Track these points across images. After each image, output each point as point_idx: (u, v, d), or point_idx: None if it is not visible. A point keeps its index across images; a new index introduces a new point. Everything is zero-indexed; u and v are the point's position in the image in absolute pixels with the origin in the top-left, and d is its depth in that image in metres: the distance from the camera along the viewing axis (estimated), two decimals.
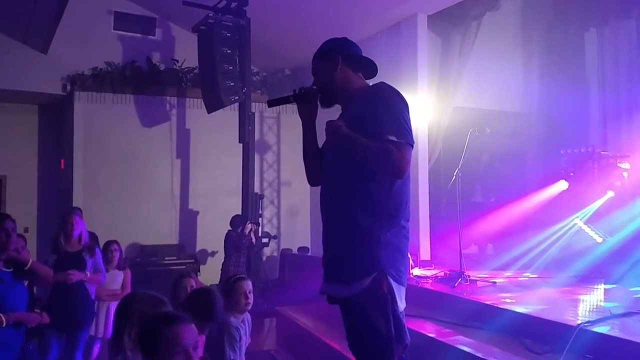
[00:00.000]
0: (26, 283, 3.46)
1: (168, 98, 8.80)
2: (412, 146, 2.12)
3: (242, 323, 3.41)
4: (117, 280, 5.12)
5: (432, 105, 7.14)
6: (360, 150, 2.10)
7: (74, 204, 7.78)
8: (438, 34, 7.60)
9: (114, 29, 8.66)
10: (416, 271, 6.16)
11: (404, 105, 2.19)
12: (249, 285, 3.44)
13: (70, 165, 8.25)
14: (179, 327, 1.86)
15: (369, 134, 2.10)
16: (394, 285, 2.10)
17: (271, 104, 2.46)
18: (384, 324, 2.08)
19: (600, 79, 7.76)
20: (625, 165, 6.36)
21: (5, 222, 3.06)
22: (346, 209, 2.16)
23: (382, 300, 2.08)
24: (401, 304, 2.14)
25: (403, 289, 2.16)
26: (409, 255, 3.99)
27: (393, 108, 2.14)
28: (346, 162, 2.18)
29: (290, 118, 9.40)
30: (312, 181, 2.47)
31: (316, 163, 2.39)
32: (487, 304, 4.60)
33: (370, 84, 2.36)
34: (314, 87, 2.34)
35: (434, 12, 7.06)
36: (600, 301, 4.82)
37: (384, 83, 2.26)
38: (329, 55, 2.32)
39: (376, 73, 2.39)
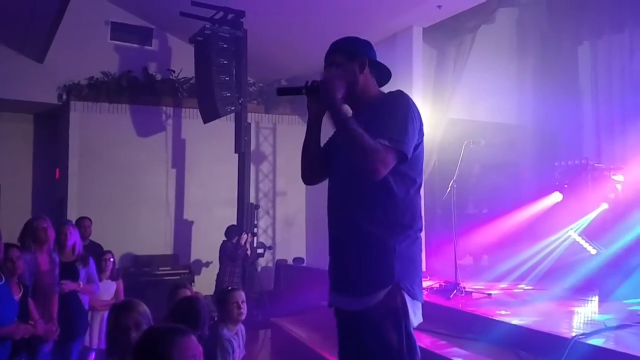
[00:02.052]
0: (19, 295, 3.44)
1: (164, 108, 8.82)
2: (403, 156, 2.02)
3: (236, 335, 3.40)
4: (110, 290, 5.10)
5: (427, 117, 7.18)
6: (350, 132, 1.98)
7: (69, 214, 7.76)
8: (433, 46, 7.66)
9: (111, 39, 8.68)
10: None
11: (413, 115, 2.10)
12: (241, 295, 3.43)
13: (65, 175, 8.23)
14: (184, 339, 1.82)
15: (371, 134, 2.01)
16: (408, 299, 2.02)
17: (281, 92, 2.36)
18: (397, 340, 1.99)
19: (593, 92, 7.83)
20: (619, 177, 6.40)
21: None
22: (360, 218, 2.07)
23: (395, 315, 2.00)
24: (415, 320, 2.06)
25: (418, 304, 2.08)
26: None
27: (399, 115, 2.07)
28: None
29: (287, 129, 9.43)
30: (307, 180, 2.39)
31: (315, 162, 2.30)
32: (482, 316, 4.61)
33: (386, 91, 2.27)
34: None
35: (429, 24, 7.13)
36: (595, 313, 4.82)
37: (401, 91, 2.18)
38: (356, 55, 2.21)
39: (388, 81, 2.33)
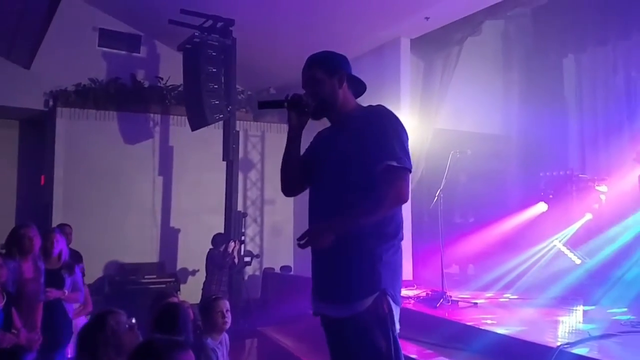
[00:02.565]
0: (2, 303, 3.40)
1: (152, 115, 8.79)
2: (410, 171, 2.14)
3: (220, 344, 3.39)
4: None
5: (415, 127, 7.24)
6: (362, 221, 2.09)
7: (54, 220, 7.67)
8: (421, 57, 7.74)
9: (99, 46, 8.64)
10: None
11: (404, 131, 2.19)
12: (226, 304, 3.42)
13: (50, 181, 8.15)
14: (183, 354, 1.81)
15: (370, 157, 2.09)
16: (392, 305, 2.08)
17: (262, 105, 2.37)
18: (386, 345, 2.05)
19: (578, 104, 7.96)
20: (603, 188, 6.49)
21: None
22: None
23: (383, 321, 2.06)
24: (397, 325, 2.11)
25: (399, 309, 2.14)
26: None
27: (394, 132, 2.14)
28: (344, 181, 2.14)
29: (275, 137, 9.43)
30: (288, 191, 2.42)
31: (296, 173, 2.33)
32: (468, 325, 4.63)
33: (364, 104, 2.34)
34: (309, 96, 2.24)
35: (417, 36, 7.21)
36: (579, 323, 4.87)
37: (384, 106, 2.25)
38: (335, 70, 2.27)
39: (363, 93, 2.39)
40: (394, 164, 2.07)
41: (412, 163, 2.17)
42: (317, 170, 2.28)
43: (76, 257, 5.80)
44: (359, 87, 2.38)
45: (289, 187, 2.40)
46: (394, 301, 2.09)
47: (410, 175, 2.15)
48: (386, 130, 2.13)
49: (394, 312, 2.08)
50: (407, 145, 2.17)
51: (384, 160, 2.06)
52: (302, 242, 2.09)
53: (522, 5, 6.51)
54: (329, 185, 2.20)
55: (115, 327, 2.25)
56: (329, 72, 2.26)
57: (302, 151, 2.37)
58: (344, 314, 2.09)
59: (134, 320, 2.36)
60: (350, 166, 2.13)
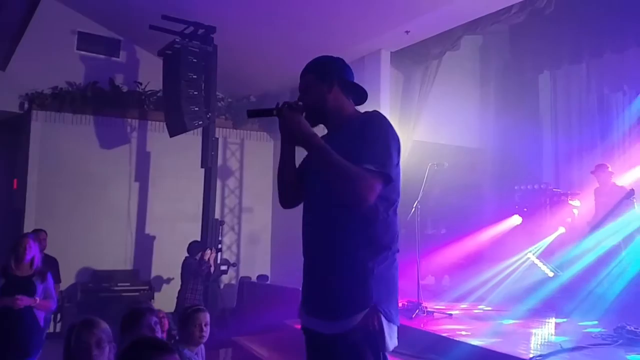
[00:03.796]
0: None
1: (129, 120, 8.68)
2: (388, 179, 2.00)
3: (196, 355, 3.34)
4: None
5: None
6: (330, 163, 1.98)
7: (26, 225, 7.52)
8: (400, 70, 7.83)
9: (77, 49, 8.53)
10: None
11: (394, 138, 2.09)
12: (205, 317, 3.31)
13: (23, 185, 7.98)
14: (169, 358, 1.80)
15: (354, 160, 1.98)
16: (384, 322, 1.96)
17: (251, 114, 2.27)
18: None
19: (553, 120, 8.14)
20: (576, 202, 6.64)
21: None
22: (340, 240, 2.03)
23: (373, 339, 1.94)
24: (391, 344, 1.98)
25: (394, 328, 2.01)
26: None
27: (380, 137, 2.06)
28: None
29: (255, 145, 9.41)
30: (286, 203, 2.31)
31: (293, 183, 2.24)
32: (443, 336, 4.67)
33: (362, 111, 2.27)
34: (300, 103, 2.17)
35: (397, 49, 7.30)
36: (552, 335, 4.95)
37: (379, 112, 2.18)
38: (324, 75, 2.21)
39: (365, 100, 2.32)
40: (371, 167, 1.96)
41: (398, 172, 2.07)
42: (310, 182, 2.21)
43: (51, 263, 5.70)
44: (359, 94, 2.30)
45: (287, 198, 2.30)
46: (387, 318, 1.97)
47: (383, 184, 2.00)
48: (374, 135, 2.05)
49: (387, 330, 1.96)
50: (394, 153, 2.06)
51: (362, 163, 1.96)
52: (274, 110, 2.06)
53: (499, 22, 6.64)
54: (322, 193, 2.11)
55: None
56: (320, 77, 2.21)
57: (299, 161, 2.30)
58: (333, 331, 1.99)
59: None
60: None
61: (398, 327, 2.04)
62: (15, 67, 7.87)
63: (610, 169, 6.35)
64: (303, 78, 2.25)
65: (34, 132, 8.01)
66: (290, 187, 2.26)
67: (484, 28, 6.81)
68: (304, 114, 2.15)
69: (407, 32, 6.70)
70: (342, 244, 2.02)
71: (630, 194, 5.99)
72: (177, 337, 3.48)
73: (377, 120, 2.12)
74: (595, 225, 6.07)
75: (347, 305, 1.97)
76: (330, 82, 2.21)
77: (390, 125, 2.12)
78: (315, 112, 2.19)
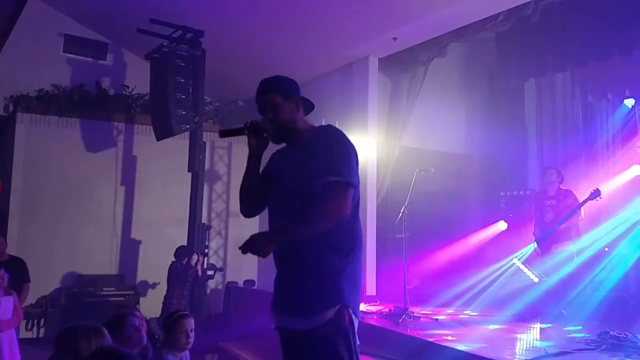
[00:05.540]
0: None
1: (116, 123, 8.62)
2: (355, 188, 2.15)
3: None
4: (8, 308, 4.55)
5: (381, 143, 7.36)
6: (300, 234, 2.12)
7: (9, 229, 7.43)
8: (388, 76, 7.88)
9: (64, 52, 8.48)
10: (362, 307, 6.19)
11: (352, 149, 2.22)
12: (191, 323, 3.30)
13: (7, 188, 7.88)
14: None
15: (315, 173, 2.11)
16: (353, 317, 2.13)
17: (223, 134, 2.43)
18: (349, 356, 2.08)
19: (538, 126, 8.22)
20: None
21: None
22: (308, 243, 2.13)
23: (345, 333, 2.09)
24: (357, 337, 2.15)
25: (357, 322, 2.17)
26: None
27: (341, 150, 2.18)
28: (302, 197, 2.16)
29: (242, 149, 9.35)
30: (247, 212, 2.46)
31: (255, 195, 2.40)
32: (429, 341, 4.68)
33: (316, 124, 2.39)
34: (267, 121, 2.30)
35: (384, 55, 7.35)
36: (537, 340, 4.98)
37: (333, 126, 2.31)
38: (291, 95, 2.33)
39: (311, 111, 2.45)
40: (337, 179, 2.09)
41: (359, 180, 2.21)
42: (272, 189, 2.34)
43: (18, 264, 5.65)
44: (308, 107, 2.43)
45: (249, 208, 2.45)
46: (354, 314, 2.13)
47: (353, 191, 2.15)
48: (332, 147, 2.17)
49: (355, 324, 2.13)
50: (354, 163, 2.20)
51: (327, 176, 2.09)
52: (242, 249, 2.11)
53: (486, 30, 6.72)
54: (282, 202, 2.27)
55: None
56: (286, 96, 2.32)
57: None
58: (305, 327, 2.11)
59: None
60: (299, 182, 2.18)
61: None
62: (1, 68, 7.79)
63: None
64: (266, 96, 2.34)
65: (19, 135, 7.92)
66: (254, 197, 2.42)
67: (470, 36, 6.89)
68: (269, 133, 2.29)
69: (394, 38, 6.76)
70: (311, 248, 2.13)
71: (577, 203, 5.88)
72: (161, 342, 3.45)
73: (334, 134, 2.25)
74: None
75: (319, 302, 2.10)
76: (297, 102, 2.35)
77: (347, 138, 2.25)
78: (287, 131, 2.32)
